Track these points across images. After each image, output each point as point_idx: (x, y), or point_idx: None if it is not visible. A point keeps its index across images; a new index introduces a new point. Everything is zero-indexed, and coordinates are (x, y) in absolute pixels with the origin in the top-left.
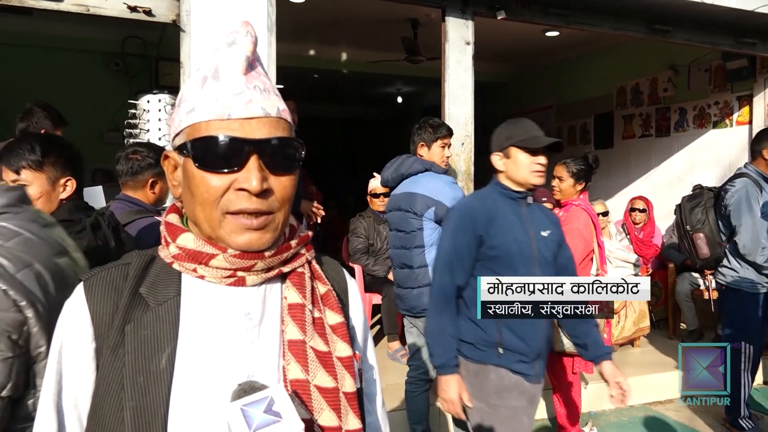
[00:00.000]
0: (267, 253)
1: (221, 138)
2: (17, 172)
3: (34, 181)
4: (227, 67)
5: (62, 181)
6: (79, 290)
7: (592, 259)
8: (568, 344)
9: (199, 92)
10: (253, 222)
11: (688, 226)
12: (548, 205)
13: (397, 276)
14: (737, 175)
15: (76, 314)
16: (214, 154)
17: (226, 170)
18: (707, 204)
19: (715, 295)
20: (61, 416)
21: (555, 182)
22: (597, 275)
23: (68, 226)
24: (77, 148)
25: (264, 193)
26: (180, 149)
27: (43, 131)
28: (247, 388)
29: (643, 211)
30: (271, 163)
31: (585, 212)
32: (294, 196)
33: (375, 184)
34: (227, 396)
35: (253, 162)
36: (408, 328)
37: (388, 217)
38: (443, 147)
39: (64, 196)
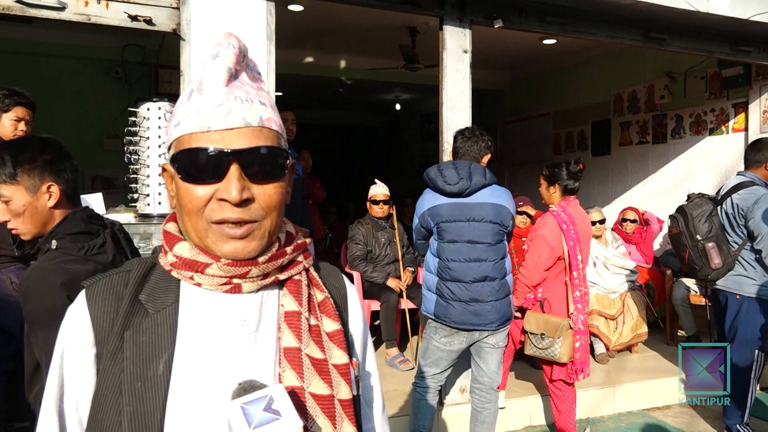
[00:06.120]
0: (261, 260)
1: (201, 150)
2: None
3: (14, 195)
4: (209, 80)
5: (43, 188)
6: (81, 297)
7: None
8: (534, 348)
9: (185, 105)
10: (236, 231)
11: (698, 236)
12: (529, 210)
13: (466, 291)
14: (746, 183)
15: (77, 320)
16: (195, 165)
17: (207, 181)
18: (712, 213)
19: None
20: (63, 420)
21: (539, 189)
22: (565, 282)
23: (86, 238)
24: (59, 146)
25: (245, 203)
26: (171, 161)
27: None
28: (248, 387)
29: (633, 221)
30: (252, 172)
31: (554, 218)
32: (282, 203)
33: (376, 190)
34: (223, 402)
35: (233, 172)
36: (446, 339)
37: (452, 227)
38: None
39: (51, 204)
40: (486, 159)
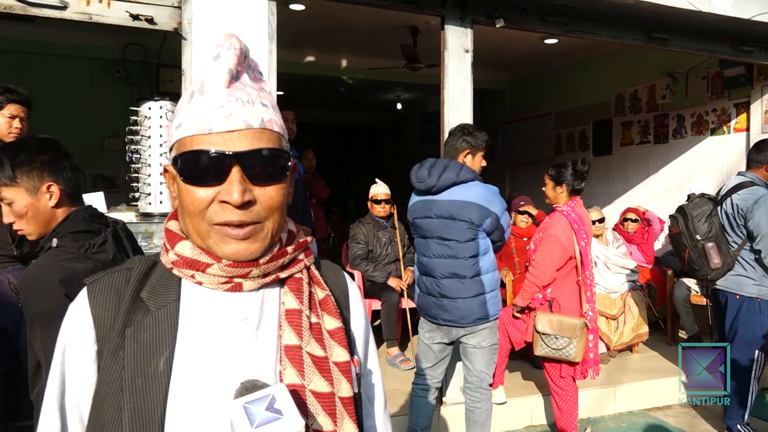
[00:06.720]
0: (262, 260)
1: (203, 152)
2: None
3: (15, 197)
4: (210, 81)
5: (43, 188)
6: (83, 294)
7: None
8: (547, 349)
9: (187, 107)
10: (239, 232)
11: (698, 236)
12: (530, 209)
13: (436, 286)
14: (746, 183)
15: (79, 317)
16: (197, 168)
17: (209, 183)
18: (712, 213)
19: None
20: (64, 416)
21: (543, 188)
22: (577, 281)
23: (88, 237)
24: (57, 146)
25: (247, 205)
26: (173, 163)
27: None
28: (250, 387)
29: (635, 221)
30: (254, 174)
31: (564, 218)
32: (284, 204)
33: (377, 189)
34: (224, 399)
35: (234, 174)
36: (428, 333)
37: (424, 223)
38: (483, 157)
39: (52, 203)
40: (463, 155)
